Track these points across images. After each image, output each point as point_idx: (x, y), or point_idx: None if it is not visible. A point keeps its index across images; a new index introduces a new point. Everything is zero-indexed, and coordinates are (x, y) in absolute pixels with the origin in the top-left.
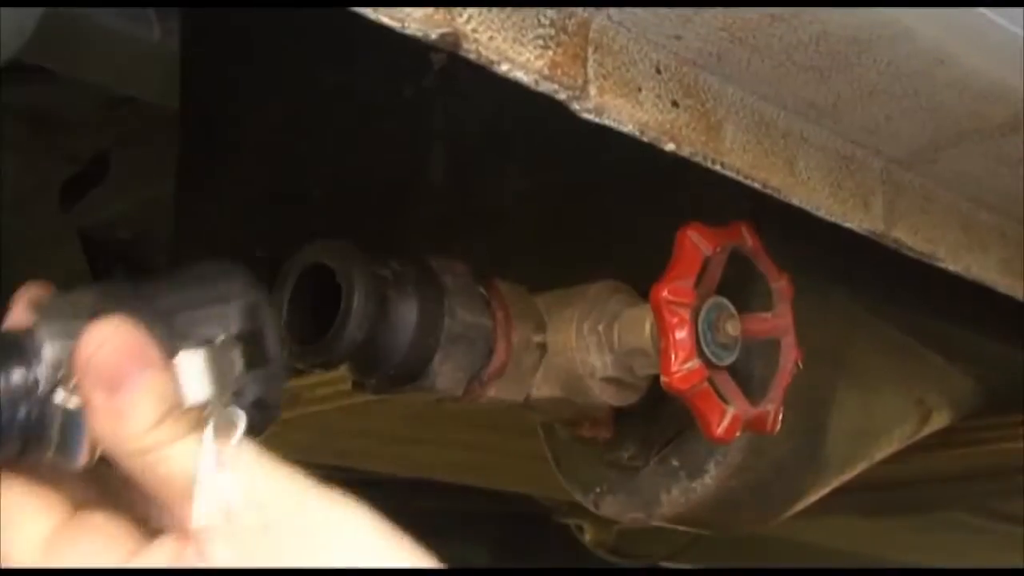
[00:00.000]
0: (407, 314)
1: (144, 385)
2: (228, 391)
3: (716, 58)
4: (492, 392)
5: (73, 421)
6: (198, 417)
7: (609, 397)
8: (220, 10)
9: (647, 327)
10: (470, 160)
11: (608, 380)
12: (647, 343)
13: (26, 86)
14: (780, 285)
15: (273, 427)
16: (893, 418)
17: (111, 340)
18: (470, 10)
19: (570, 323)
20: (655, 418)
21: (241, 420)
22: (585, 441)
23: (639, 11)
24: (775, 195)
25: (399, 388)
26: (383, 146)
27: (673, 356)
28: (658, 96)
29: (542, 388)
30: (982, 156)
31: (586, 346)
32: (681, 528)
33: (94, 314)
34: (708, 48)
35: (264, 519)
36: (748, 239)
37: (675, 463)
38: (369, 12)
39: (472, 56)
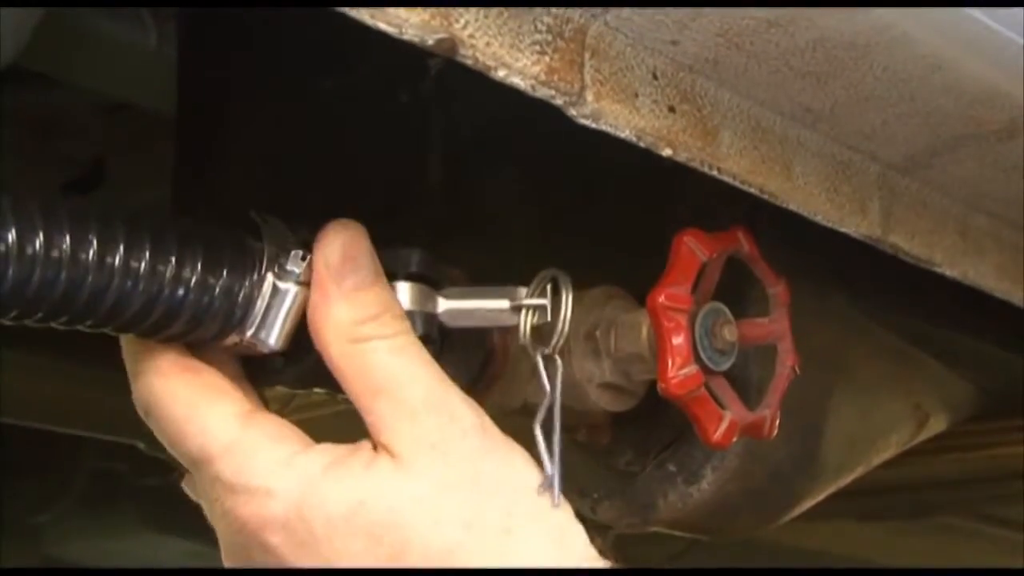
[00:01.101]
0: None
1: (369, 280)
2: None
3: (713, 64)
4: (489, 398)
5: (278, 301)
6: (408, 327)
7: (606, 403)
8: (217, 16)
9: (644, 332)
10: (467, 165)
11: (605, 386)
12: (644, 348)
13: (24, 91)
14: (777, 290)
15: None
16: (890, 423)
17: (348, 235)
18: (467, 16)
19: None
20: (652, 423)
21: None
22: (582, 446)
23: (636, 17)
24: (772, 200)
25: None
26: (380, 151)
27: (670, 362)
28: (655, 101)
29: (540, 394)
30: (978, 161)
31: (583, 352)
32: (678, 533)
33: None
34: (705, 54)
35: (469, 447)
36: (745, 244)
37: (672, 468)
38: (367, 18)
39: (469, 61)
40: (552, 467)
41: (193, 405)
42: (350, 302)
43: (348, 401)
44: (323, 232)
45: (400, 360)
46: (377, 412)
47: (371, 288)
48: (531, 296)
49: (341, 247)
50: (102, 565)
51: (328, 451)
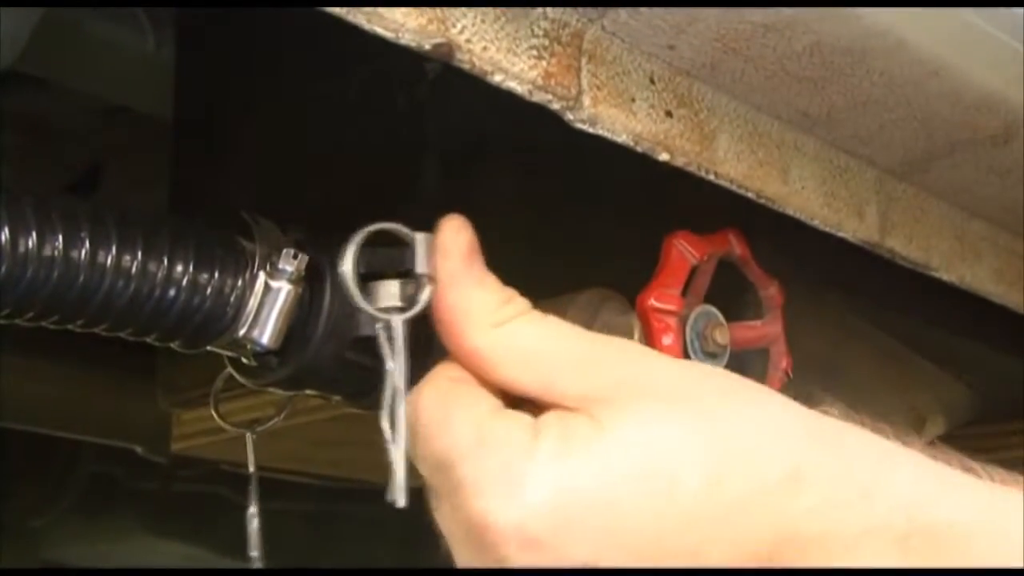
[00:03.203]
0: None
1: (484, 266)
2: None
3: (710, 68)
4: None
5: (271, 300)
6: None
7: None
8: (214, 20)
9: (636, 335)
10: (463, 169)
11: None
12: None
13: (21, 95)
14: (770, 293)
15: (264, 438)
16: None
17: (464, 223)
18: (464, 21)
19: None
20: None
21: None
22: None
23: (632, 21)
24: (769, 205)
25: None
26: (376, 155)
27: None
28: (652, 106)
29: None
30: (975, 166)
31: None
32: None
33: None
34: (702, 58)
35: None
36: (737, 247)
37: None
38: (363, 22)
39: (466, 66)
40: (397, 461)
41: (444, 406)
42: (484, 288)
43: (342, 405)
44: (445, 227)
45: (548, 327)
46: (560, 387)
47: (490, 273)
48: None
49: (467, 237)
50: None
51: (553, 435)
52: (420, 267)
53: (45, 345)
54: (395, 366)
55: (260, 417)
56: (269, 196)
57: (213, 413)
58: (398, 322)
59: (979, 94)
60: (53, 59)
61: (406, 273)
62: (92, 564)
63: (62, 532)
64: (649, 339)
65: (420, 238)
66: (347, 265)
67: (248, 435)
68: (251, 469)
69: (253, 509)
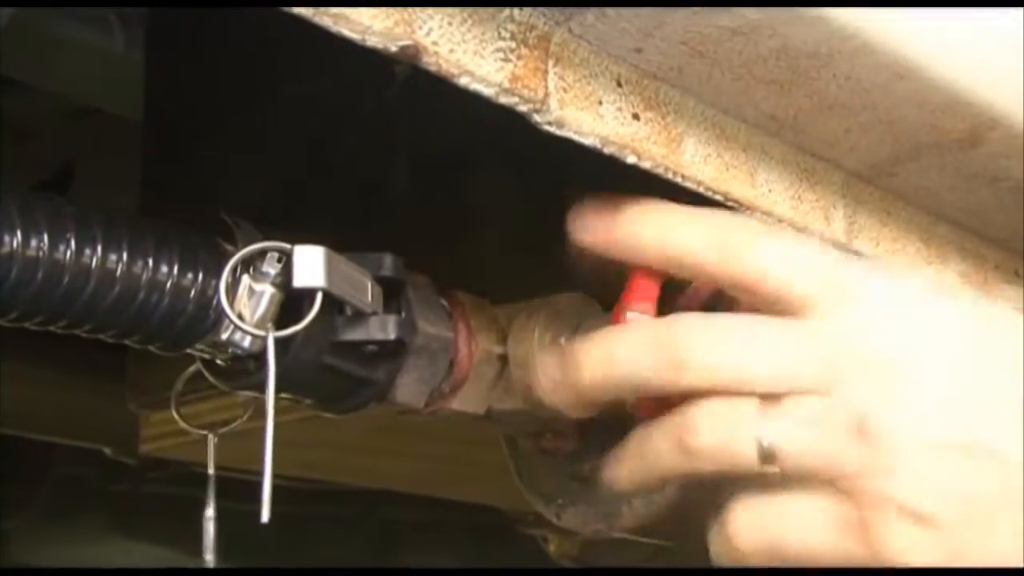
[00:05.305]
0: None
1: None
2: None
3: (677, 72)
4: (453, 405)
5: (253, 303)
6: None
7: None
8: (183, 21)
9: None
10: (434, 172)
11: None
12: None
13: None
14: None
15: (237, 439)
16: None
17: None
18: (431, 23)
19: (531, 335)
20: (618, 430)
21: None
22: (547, 453)
23: (599, 24)
24: (737, 208)
25: None
26: (347, 157)
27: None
28: (619, 109)
29: (504, 400)
30: (940, 170)
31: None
32: (644, 540)
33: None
34: (669, 62)
35: None
36: None
37: None
38: (330, 24)
39: (433, 68)
40: (267, 474)
41: None
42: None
43: (313, 409)
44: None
45: None
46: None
47: None
48: None
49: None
50: None
51: None
52: (298, 280)
53: (14, 347)
54: (268, 382)
55: (228, 418)
56: (238, 197)
57: (174, 414)
58: (270, 340)
59: (945, 98)
60: (22, 60)
61: (385, 279)
62: (63, 566)
63: (32, 535)
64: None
65: (299, 251)
66: (222, 284)
67: (209, 437)
68: (210, 471)
69: (210, 512)
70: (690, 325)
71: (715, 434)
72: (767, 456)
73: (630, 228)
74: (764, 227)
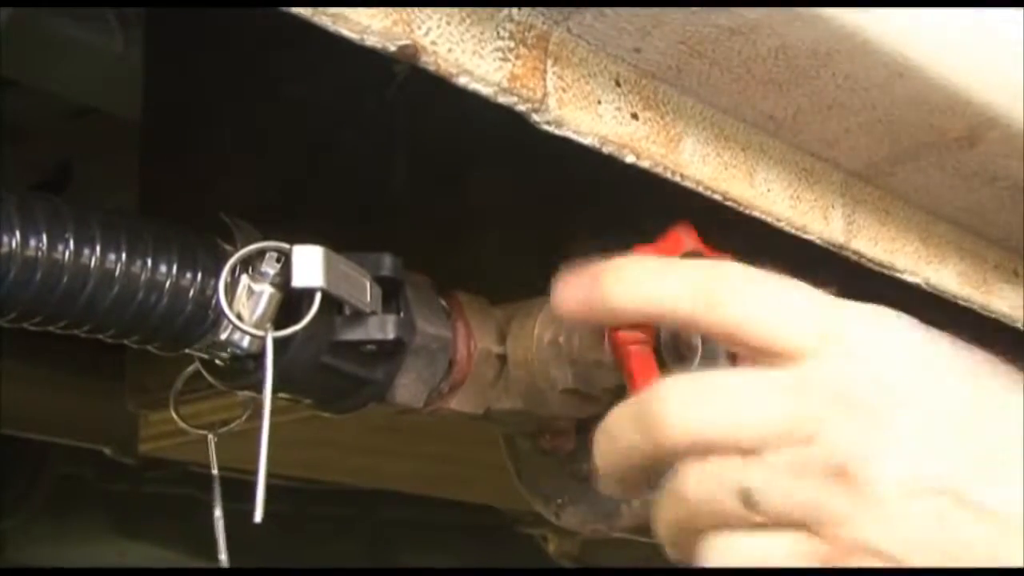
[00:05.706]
0: None
1: None
2: None
3: (676, 71)
4: (452, 404)
5: (252, 303)
6: None
7: (570, 409)
8: (183, 21)
9: (606, 339)
10: (433, 172)
11: (568, 392)
12: (607, 355)
13: None
14: None
15: (236, 438)
16: None
17: None
18: (429, 23)
19: (530, 334)
20: None
21: None
22: (546, 452)
23: (598, 24)
24: (735, 207)
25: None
26: (346, 158)
27: (633, 368)
28: (618, 109)
29: (503, 400)
30: (939, 169)
31: (546, 358)
32: (643, 539)
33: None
34: (667, 61)
35: None
36: (688, 242)
37: None
38: (329, 24)
39: (431, 68)
40: (261, 474)
41: None
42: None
43: (312, 409)
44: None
45: None
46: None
47: None
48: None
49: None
50: None
51: None
52: (297, 280)
53: (13, 346)
54: (266, 382)
55: (228, 418)
56: (236, 197)
57: (173, 414)
58: (269, 340)
59: (944, 97)
60: (21, 60)
61: (385, 279)
62: (62, 566)
63: (30, 534)
64: (619, 343)
65: (298, 251)
66: (221, 283)
67: (209, 437)
68: (214, 471)
69: (218, 512)
70: (670, 390)
71: (701, 486)
72: (750, 504)
73: (607, 292)
74: (747, 274)
